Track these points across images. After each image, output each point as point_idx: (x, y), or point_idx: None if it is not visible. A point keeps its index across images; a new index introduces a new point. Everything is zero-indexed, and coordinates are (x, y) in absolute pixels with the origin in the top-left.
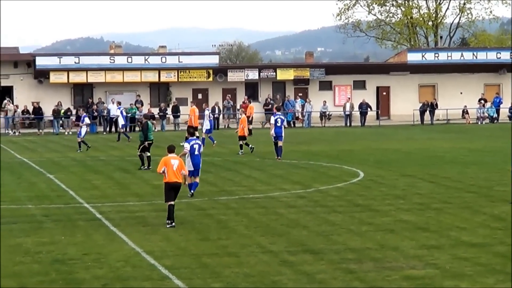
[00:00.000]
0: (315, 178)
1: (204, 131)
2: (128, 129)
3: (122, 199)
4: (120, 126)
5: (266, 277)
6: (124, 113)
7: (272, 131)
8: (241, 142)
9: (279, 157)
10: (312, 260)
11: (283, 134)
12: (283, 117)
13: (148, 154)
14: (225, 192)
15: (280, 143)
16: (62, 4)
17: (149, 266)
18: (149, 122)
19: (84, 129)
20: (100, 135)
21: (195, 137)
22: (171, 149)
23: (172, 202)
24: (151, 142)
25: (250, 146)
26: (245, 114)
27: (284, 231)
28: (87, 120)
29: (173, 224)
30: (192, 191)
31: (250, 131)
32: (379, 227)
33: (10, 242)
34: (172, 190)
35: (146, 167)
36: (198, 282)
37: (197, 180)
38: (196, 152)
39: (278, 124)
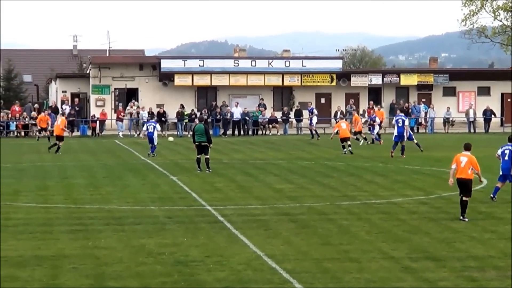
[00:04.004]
0: (437, 184)
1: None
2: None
3: (244, 202)
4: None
5: (387, 283)
6: None
7: (395, 132)
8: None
9: (403, 155)
10: (434, 267)
11: (404, 134)
12: (404, 118)
13: (206, 156)
14: (347, 197)
15: (402, 143)
16: (187, 7)
17: (270, 270)
18: (198, 124)
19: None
20: (223, 138)
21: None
22: (466, 147)
23: (464, 198)
24: (197, 144)
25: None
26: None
27: (406, 237)
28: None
29: (466, 219)
30: (491, 195)
31: (379, 135)
32: (502, 235)
33: (133, 243)
34: (460, 185)
35: (199, 169)
36: (319, 287)
37: (498, 185)
38: (506, 158)
39: (399, 125)
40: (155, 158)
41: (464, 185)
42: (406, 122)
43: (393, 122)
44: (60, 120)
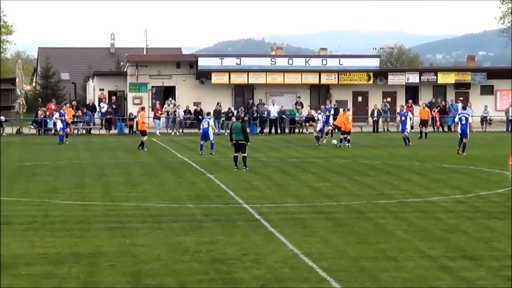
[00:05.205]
0: (475, 183)
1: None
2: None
3: (281, 200)
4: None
5: (424, 282)
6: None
7: (458, 129)
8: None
9: (463, 153)
10: (471, 266)
11: (468, 132)
12: (467, 116)
13: (243, 154)
14: (384, 195)
15: (464, 140)
16: (224, 5)
17: (307, 268)
18: (236, 123)
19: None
20: (260, 136)
21: None
22: None
23: None
24: (235, 142)
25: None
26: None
27: (443, 236)
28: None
29: None
30: None
31: (426, 134)
32: None
33: (170, 241)
34: None
35: (236, 167)
36: (356, 286)
37: None
38: None
39: (463, 122)
40: (192, 156)
41: None
42: (470, 120)
43: (456, 120)
44: (140, 115)
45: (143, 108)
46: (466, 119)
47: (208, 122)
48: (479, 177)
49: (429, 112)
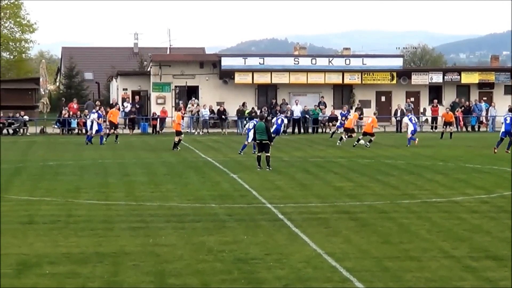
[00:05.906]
0: (499, 183)
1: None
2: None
3: (304, 200)
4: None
5: (448, 283)
6: None
7: (503, 128)
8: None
9: (508, 150)
10: (495, 267)
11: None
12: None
13: (267, 154)
14: (408, 195)
15: (510, 139)
16: (248, 5)
17: (330, 268)
18: (259, 122)
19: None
20: (283, 135)
21: None
22: None
23: None
24: (258, 142)
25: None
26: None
27: (467, 236)
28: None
29: None
30: None
31: (450, 134)
32: None
33: (193, 240)
34: None
35: (259, 167)
36: (379, 286)
37: None
38: None
39: (508, 122)
40: (215, 156)
41: None
42: (508, 120)
43: (502, 120)
44: (176, 116)
45: (180, 109)
46: (511, 119)
47: (254, 124)
48: (502, 177)
49: (452, 115)
